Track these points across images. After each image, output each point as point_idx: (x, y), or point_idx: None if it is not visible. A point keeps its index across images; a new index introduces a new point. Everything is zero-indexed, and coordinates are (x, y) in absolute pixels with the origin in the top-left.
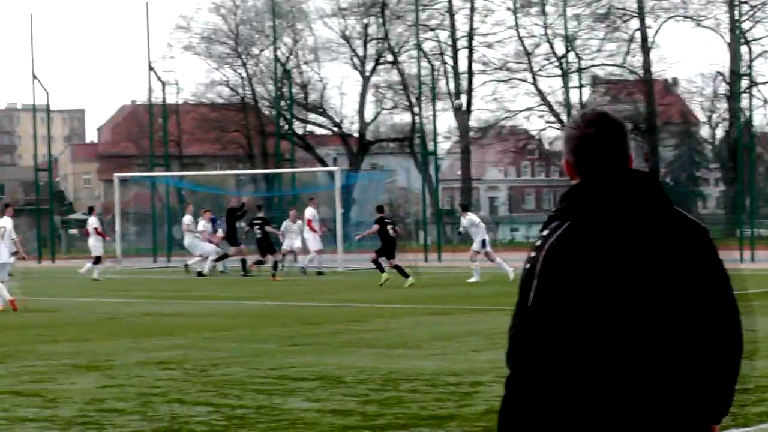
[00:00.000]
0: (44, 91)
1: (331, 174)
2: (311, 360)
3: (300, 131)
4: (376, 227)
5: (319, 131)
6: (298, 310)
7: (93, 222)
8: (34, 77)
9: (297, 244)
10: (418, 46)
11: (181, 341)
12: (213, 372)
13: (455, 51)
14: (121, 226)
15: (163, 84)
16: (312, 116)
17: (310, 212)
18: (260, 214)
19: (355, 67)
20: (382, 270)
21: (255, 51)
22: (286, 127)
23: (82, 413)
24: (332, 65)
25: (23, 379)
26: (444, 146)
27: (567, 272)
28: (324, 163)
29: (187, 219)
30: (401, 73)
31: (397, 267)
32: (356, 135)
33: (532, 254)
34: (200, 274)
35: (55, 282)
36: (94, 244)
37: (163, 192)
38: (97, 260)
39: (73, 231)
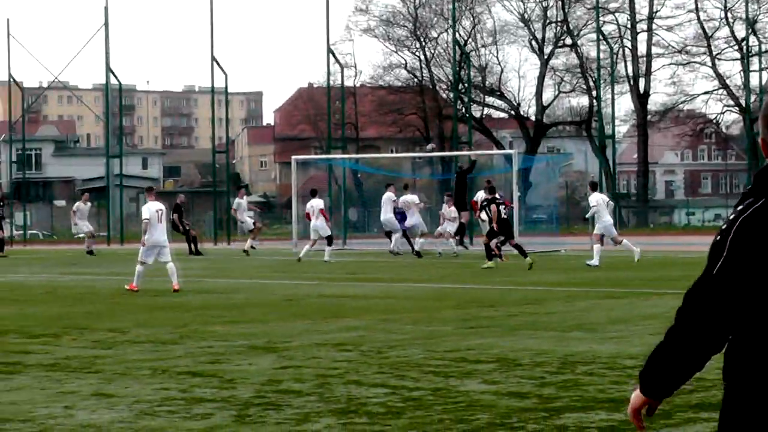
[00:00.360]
0: (223, 74)
1: (507, 157)
2: (487, 342)
3: (477, 114)
4: (495, 208)
5: (496, 114)
6: (473, 292)
7: (318, 204)
8: (214, 60)
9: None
10: (598, 29)
11: (357, 323)
12: (389, 354)
13: (634, 34)
14: (297, 208)
15: (342, 67)
16: (489, 99)
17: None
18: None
19: (533, 50)
20: (494, 256)
21: (433, 34)
22: (464, 110)
23: (259, 394)
24: (510, 48)
25: (201, 360)
26: (621, 129)
27: (756, 247)
28: (500, 147)
29: (388, 196)
30: (580, 57)
31: (516, 246)
32: (533, 118)
33: (724, 227)
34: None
35: (231, 264)
36: (322, 225)
37: (340, 174)
38: (329, 241)
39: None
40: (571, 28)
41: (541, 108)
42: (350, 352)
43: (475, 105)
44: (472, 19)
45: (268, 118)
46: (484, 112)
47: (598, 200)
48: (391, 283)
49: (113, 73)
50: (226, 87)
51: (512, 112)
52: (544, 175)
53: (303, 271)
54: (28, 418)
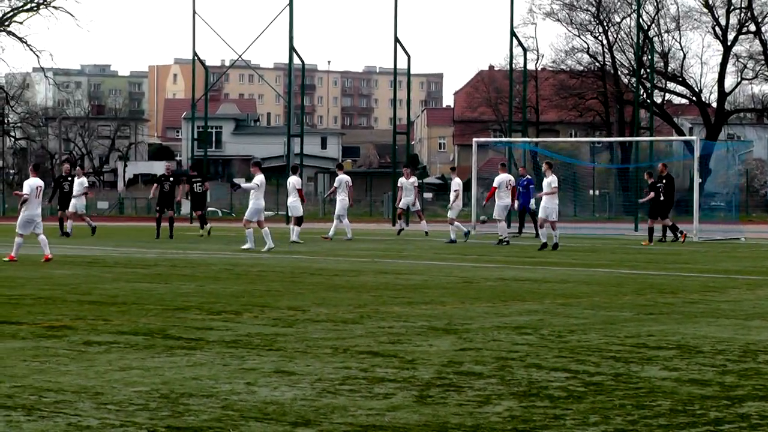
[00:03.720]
0: (405, 55)
1: (687, 144)
2: (668, 329)
3: (658, 100)
4: (651, 194)
5: (676, 100)
6: (652, 278)
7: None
8: (397, 41)
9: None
10: None
11: (536, 307)
12: (569, 338)
13: None
14: (477, 190)
15: (524, 50)
16: (670, 85)
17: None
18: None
19: (716, 36)
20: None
21: (616, 18)
22: (645, 95)
23: (440, 375)
24: (693, 34)
25: (381, 340)
26: None
27: None
28: (681, 133)
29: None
30: (763, 43)
31: (672, 226)
32: (714, 105)
33: None
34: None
35: (407, 244)
36: (295, 205)
37: (519, 158)
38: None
39: (428, 195)
40: (756, 14)
41: (723, 95)
42: (530, 336)
43: (656, 90)
44: (655, 4)
45: (448, 100)
46: (665, 98)
47: None
48: (568, 268)
49: (296, 52)
50: (409, 68)
51: (693, 99)
52: (723, 163)
53: (480, 253)
54: (210, 394)
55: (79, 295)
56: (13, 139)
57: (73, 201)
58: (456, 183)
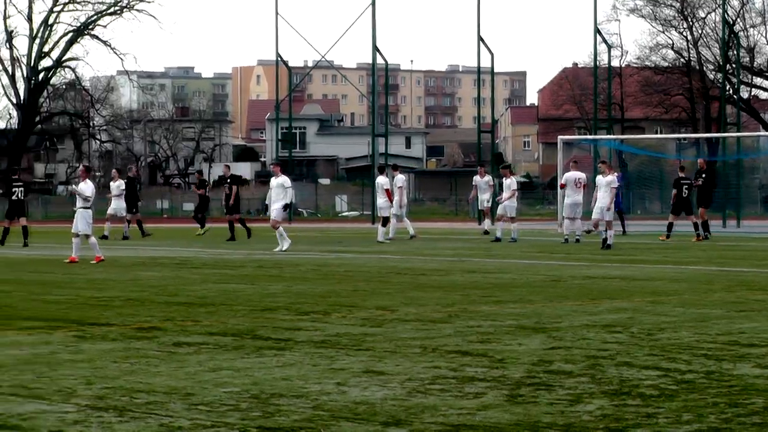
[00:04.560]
0: (489, 53)
1: None
2: (760, 326)
3: (744, 95)
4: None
5: (763, 95)
6: (741, 276)
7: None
8: (480, 39)
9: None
10: None
11: (625, 305)
12: (660, 336)
13: None
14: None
15: (609, 46)
16: (757, 80)
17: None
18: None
19: None
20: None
21: (701, 14)
22: (731, 91)
23: (530, 374)
24: None
25: (470, 339)
26: None
27: None
28: None
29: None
30: None
31: (703, 224)
32: None
33: None
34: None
35: (492, 243)
36: (384, 204)
37: (605, 155)
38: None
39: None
40: None
41: None
42: (620, 334)
43: (742, 86)
44: None
45: (532, 97)
46: (752, 94)
47: None
48: (656, 265)
49: (379, 52)
50: (492, 67)
51: None
52: None
53: (567, 252)
54: (301, 394)
55: (168, 296)
56: (98, 142)
57: (112, 204)
58: (512, 182)
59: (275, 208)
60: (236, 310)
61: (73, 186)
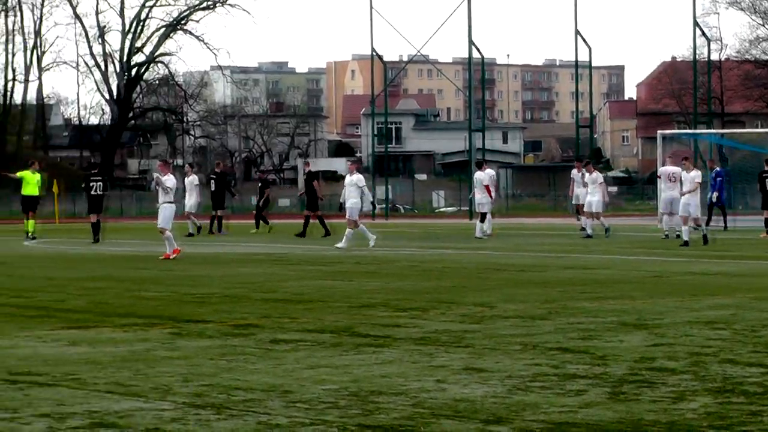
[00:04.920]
0: (587, 47)
1: None
2: None
3: None
4: None
5: None
6: None
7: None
8: (578, 33)
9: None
10: None
11: (728, 301)
12: (763, 333)
13: None
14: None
15: (708, 40)
16: None
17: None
18: None
19: None
20: None
21: None
22: None
23: (632, 371)
24: None
25: (571, 336)
26: None
27: None
28: None
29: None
30: None
31: None
32: None
33: None
34: None
35: (593, 239)
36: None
37: (705, 150)
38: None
39: (612, 189)
40: None
41: None
42: (723, 330)
43: None
44: None
45: (630, 92)
46: None
47: None
48: (758, 261)
49: (475, 46)
50: (590, 61)
51: None
52: None
53: (667, 248)
54: (400, 392)
55: (265, 293)
56: (192, 138)
57: (186, 200)
58: (597, 176)
59: (349, 207)
60: (334, 306)
61: (157, 174)
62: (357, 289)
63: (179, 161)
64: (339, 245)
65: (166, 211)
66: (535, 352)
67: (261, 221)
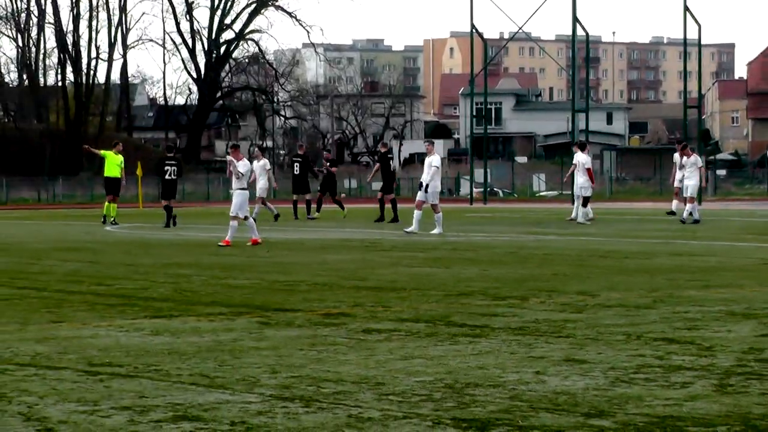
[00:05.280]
0: (696, 24)
1: None
2: None
3: None
4: None
5: None
6: None
7: (697, 161)
8: (686, 9)
9: None
10: None
11: None
12: None
13: None
14: None
15: None
16: None
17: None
18: None
19: None
20: None
21: None
22: None
23: (740, 363)
24: None
25: (677, 326)
26: None
27: None
28: None
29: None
30: None
31: None
32: None
33: None
34: None
35: (702, 225)
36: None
37: None
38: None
39: (721, 172)
40: None
41: None
42: None
43: None
44: None
45: (740, 71)
46: None
47: None
48: None
49: (579, 23)
50: (699, 38)
51: None
52: None
53: None
54: (497, 383)
55: (357, 280)
56: (283, 119)
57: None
58: (696, 160)
59: (431, 191)
60: (429, 295)
61: (230, 158)
62: (453, 277)
63: (269, 143)
64: (434, 231)
65: (238, 198)
66: (639, 342)
67: (338, 205)
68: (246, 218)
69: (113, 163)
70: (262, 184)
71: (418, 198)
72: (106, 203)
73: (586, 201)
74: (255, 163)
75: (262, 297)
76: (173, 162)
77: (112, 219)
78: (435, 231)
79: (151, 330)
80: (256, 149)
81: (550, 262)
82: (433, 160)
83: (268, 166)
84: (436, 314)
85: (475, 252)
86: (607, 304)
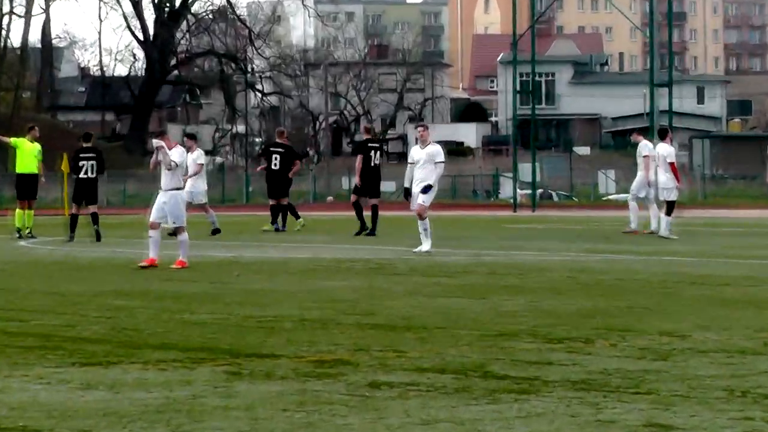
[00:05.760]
0: None
1: None
2: None
3: None
4: None
5: None
6: None
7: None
8: None
9: None
10: None
11: None
12: None
13: None
14: None
15: None
16: None
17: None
18: None
19: None
20: None
21: None
22: None
23: None
24: None
25: None
26: None
27: None
28: None
29: None
30: None
31: None
32: None
33: None
34: None
35: None
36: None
37: None
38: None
39: None
40: None
41: None
42: None
43: None
44: None
45: None
46: None
47: None
48: None
49: None
50: None
51: None
52: None
53: None
54: None
55: (360, 315)
56: (260, 95)
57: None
58: None
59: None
60: (458, 336)
61: (159, 143)
62: (492, 310)
63: (240, 127)
64: (421, 250)
65: (176, 201)
66: (745, 401)
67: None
68: (179, 231)
69: (28, 155)
70: (201, 186)
71: (419, 203)
72: (18, 210)
73: (671, 207)
74: (189, 155)
75: (231, 338)
76: (90, 155)
77: (27, 231)
78: (423, 248)
79: (80, 382)
80: (185, 137)
81: (623, 291)
82: (436, 155)
83: (202, 160)
84: (468, 362)
85: (520, 277)
86: (702, 348)
